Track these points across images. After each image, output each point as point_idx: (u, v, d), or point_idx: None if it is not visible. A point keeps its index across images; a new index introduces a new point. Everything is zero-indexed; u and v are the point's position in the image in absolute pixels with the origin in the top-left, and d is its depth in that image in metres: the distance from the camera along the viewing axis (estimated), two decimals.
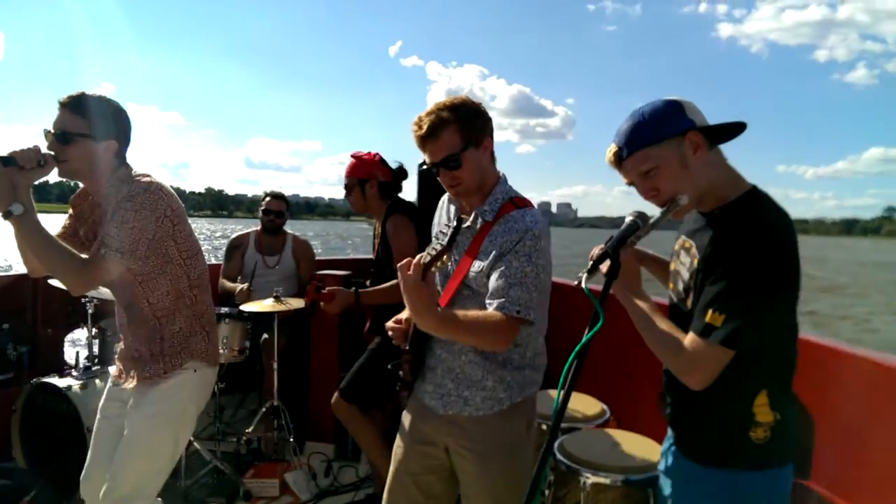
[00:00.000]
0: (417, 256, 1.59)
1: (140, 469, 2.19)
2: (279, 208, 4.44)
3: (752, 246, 1.38)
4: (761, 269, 1.37)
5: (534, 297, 1.77)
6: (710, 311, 1.39)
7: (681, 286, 1.59)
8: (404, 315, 2.05)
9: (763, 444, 1.46)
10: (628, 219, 1.54)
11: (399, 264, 1.60)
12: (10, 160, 1.99)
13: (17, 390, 3.35)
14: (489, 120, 1.92)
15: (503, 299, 1.75)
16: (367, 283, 3.25)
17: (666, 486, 1.68)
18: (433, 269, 1.61)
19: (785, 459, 1.52)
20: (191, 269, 2.27)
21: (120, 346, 2.35)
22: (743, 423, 1.47)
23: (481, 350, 1.90)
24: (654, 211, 1.56)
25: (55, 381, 3.23)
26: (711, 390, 1.44)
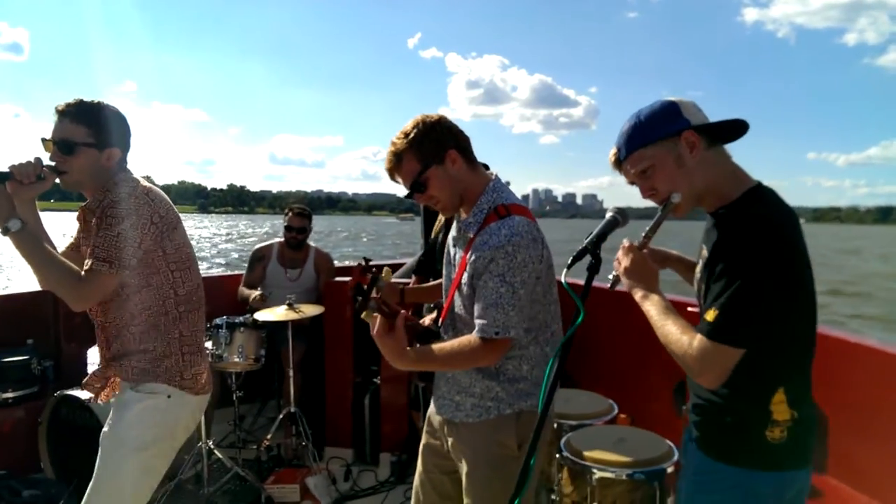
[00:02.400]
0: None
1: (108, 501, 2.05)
2: (301, 225, 4.48)
3: (750, 243, 1.38)
4: (760, 267, 1.36)
5: (511, 315, 1.77)
6: (711, 311, 1.40)
7: (698, 288, 1.61)
8: (429, 318, 2.11)
9: (779, 444, 1.45)
10: (608, 215, 1.57)
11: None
12: (7, 175, 1.94)
13: (42, 404, 3.46)
14: (448, 131, 1.89)
15: (481, 321, 1.79)
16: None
17: (682, 477, 1.68)
18: (392, 318, 1.75)
19: (802, 462, 1.50)
20: (179, 284, 2.12)
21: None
22: (759, 422, 1.46)
23: None
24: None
25: (78, 393, 3.32)
26: (729, 386, 1.45)
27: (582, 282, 1.46)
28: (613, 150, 1.60)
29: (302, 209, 4.56)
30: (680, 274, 1.86)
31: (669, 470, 2.24)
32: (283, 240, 4.56)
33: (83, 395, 3.31)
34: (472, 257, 1.83)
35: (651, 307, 1.55)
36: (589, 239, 1.50)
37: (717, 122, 1.55)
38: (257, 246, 4.65)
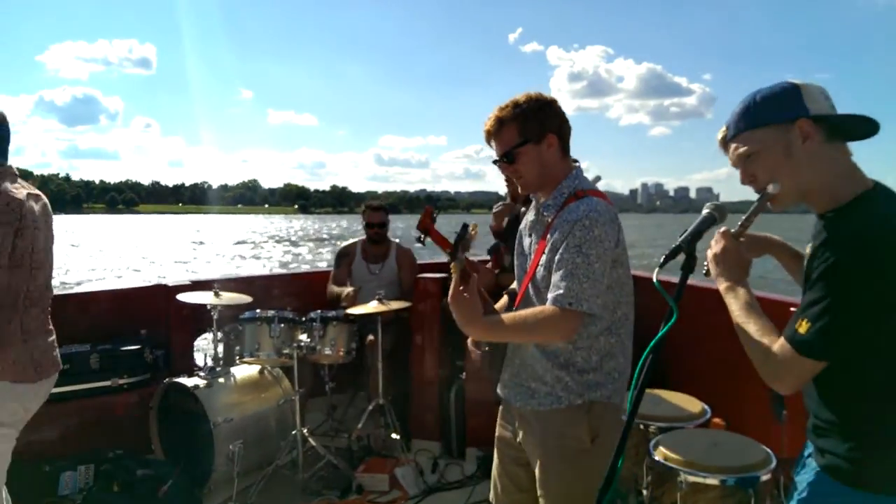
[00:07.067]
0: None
1: None
2: (381, 220, 4.60)
3: (851, 254, 1.28)
4: (858, 281, 1.27)
5: (585, 287, 1.74)
6: (800, 319, 1.32)
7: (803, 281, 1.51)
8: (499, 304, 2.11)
9: None
10: (705, 211, 1.49)
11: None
12: None
13: (153, 390, 3.74)
14: (556, 115, 1.94)
15: (556, 292, 1.77)
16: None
17: (792, 497, 1.54)
18: (466, 280, 1.77)
19: None
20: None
21: None
22: (884, 443, 1.35)
23: (543, 347, 1.90)
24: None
25: (185, 380, 3.57)
26: (848, 407, 1.37)
27: (675, 280, 1.41)
28: (723, 129, 1.51)
29: (376, 205, 4.66)
30: (782, 262, 1.73)
31: (764, 478, 2.15)
32: (365, 237, 4.68)
33: (189, 382, 3.56)
34: (551, 238, 1.84)
35: (734, 301, 1.47)
36: (683, 237, 1.43)
37: (841, 115, 1.41)
38: (342, 245, 4.81)
